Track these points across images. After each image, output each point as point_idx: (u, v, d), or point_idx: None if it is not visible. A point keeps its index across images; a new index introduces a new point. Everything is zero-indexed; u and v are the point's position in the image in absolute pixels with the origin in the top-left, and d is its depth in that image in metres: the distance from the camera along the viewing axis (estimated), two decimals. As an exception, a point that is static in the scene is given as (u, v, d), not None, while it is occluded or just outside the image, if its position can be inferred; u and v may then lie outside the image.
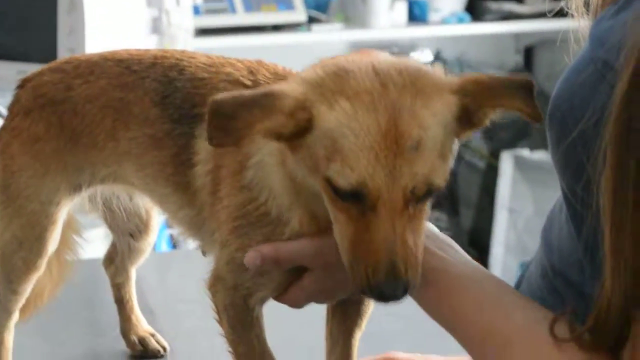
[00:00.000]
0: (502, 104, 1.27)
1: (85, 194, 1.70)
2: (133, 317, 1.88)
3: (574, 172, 1.33)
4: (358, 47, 4.30)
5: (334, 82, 1.29)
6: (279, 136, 1.29)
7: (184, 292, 2.06)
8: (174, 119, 1.57)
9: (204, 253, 1.60)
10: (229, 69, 1.55)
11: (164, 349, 1.87)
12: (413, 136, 1.24)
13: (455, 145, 1.28)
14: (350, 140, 1.26)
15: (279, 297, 1.50)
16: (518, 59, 4.78)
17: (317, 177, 1.29)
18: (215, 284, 1.52)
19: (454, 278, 1.42)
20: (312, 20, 4.25)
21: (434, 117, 1.26)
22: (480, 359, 1.42)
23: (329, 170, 1.25)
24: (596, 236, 1.29)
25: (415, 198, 1.25)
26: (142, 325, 1.88)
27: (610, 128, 1.25)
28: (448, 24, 4.43)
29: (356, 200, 1.25)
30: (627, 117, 1.23)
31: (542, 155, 4.45)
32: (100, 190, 1.73)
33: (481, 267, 1.43)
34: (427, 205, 1.28)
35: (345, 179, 1.25)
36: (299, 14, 4.18)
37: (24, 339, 1.90)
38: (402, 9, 4.36)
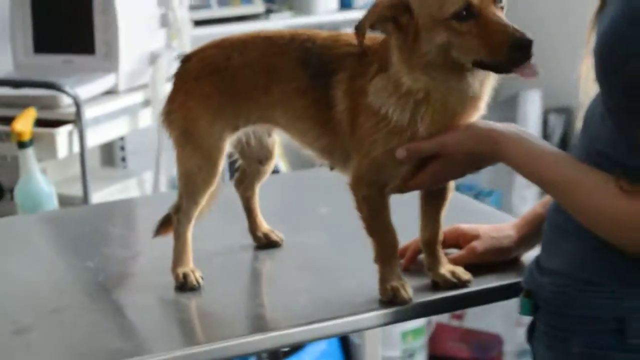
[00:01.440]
0: None
1: (240, 132, 1.82)
2: (258, 220, 1.99)
3: (621, 88, 1.41)
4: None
5: None
6: (388, 20, 1.52)
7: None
8: (313, 75, 1.68)
9: (331, 168, 1.77)
10: (343, 36, 1.68)
11: (282, 240, 1.99)
12: None
13: None
14: None
15: (407, 184, 1.66)
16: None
17: (438, 31, 1.51)
18: (358, 182, 1.66)
19: (547, 148, 1.55)
20: (268, 11, 4.26)
21: None
22: (567, 200, 1.51)
23: (443, 10, 1.49)
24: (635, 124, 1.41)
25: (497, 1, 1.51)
26: (264, 225, 2.00)
27: None
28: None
29: (468, 18, 1.49)
30: None
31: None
32: (245, 130, 1.83)
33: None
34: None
35: (456, 4, 1.49)
36: (258, 7, 4.24)
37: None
38: None
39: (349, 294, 1.74)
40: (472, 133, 1.59)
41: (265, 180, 1.98)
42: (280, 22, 4.27)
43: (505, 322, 3.99)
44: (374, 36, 1.63)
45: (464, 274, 1.74)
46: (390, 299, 1.67)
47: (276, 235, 2.00)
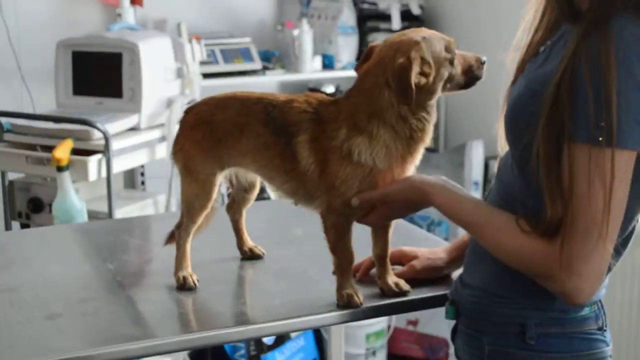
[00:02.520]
0: None
1: (228, 171, 1.82)
2: (244, 237, 2.00)
3: (522, 147, 1.45)
4: (291, 85, 4.45)
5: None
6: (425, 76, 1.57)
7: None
8: (274, 133, 1.69)
9: (295, 204, 1.75)
10: (296, 104, 1.68)
11: (263, 253, 2.00)
12: None
13: None
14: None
15: (362, 221, 1.68)
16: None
17: (444, 68, 1.59)
18: (329, 212, 1.67)
19: (465, 196, 1.57)
20: (264, 68, 4.27)
21: None
22: (479, 236, 1.53)
23: (446, 51, 1.60)
24: (533, 175, 1.43)
25: None
26: (249, 241, 2.00)
27: (540, 125, 1.40)
28: (346, 69, 4.37)
29: (453, 55, 1.61)
30: (547, 117, 1.39)
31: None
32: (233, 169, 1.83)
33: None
34: None
35: (451, 44, 1.62)
36: (257, 64, 4.23)
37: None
38: (318, 60, 4.34)
39: (314, 297, 1.76)
40: (409, 185, 1.61)
41: (253, 206, 1.98)
42: (274, 78, 4.32)
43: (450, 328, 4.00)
44: (319, 97, 1.69)
45: (405, 285, 1.77)
46: (345, 303, 1.70)
47: (259, 249, 2.01)
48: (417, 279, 1.82)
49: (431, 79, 1.59)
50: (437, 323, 4.15)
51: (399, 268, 1.85)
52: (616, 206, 1.36)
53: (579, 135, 1.35)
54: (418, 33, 1.61)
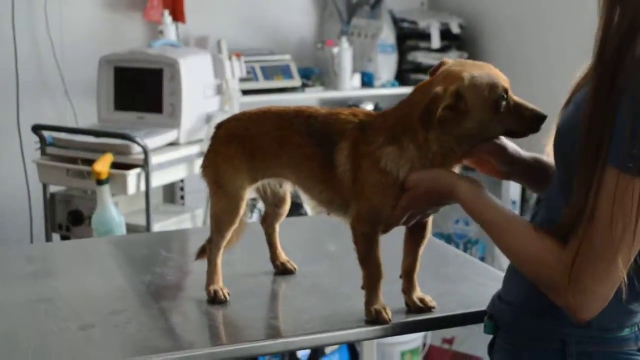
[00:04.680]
0: None
1: (258, 185, 1.85)
2: (277, 252, 2.02)
3: (567, 170, 1.45)
4: (331, 102, 4.39)
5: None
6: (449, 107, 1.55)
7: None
8: (317, 144, 1.71)
9: (329, 214, 1.78)
10: (342, 115, 1.71)
11: (295, 268, 2.01)
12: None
13: None
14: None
15: (388, 221, 1.66)
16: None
17: (485, 110, 1.56)
18: (359, 221, 1.68)
19: (491, 197, 1.55)
20: (304, 85, 4.27)
21: None
22: (496, 237, 1.52)
23: (492, 96, 1.55)
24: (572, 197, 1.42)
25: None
26: (283, 256, 2.03)
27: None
28: (385, 87, 4.39)
29: (504, 100, 1.57)
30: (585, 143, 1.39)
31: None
32: (263, 182, 1.85)
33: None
34: None
35: (500, 90, 1.56)
36: (297, 82, 4.23)
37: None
38: (357, 78, 4.34)
39: (345, 313, 1.76)
40: (435, 174, 1.61)
41: (290, 221, 1.99)
42: (314, 95, 4.32)
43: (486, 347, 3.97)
44: (365, 112, 1.71)
45: (431, 302, 1.76)
46: (373, 319, 1.70)
47: (291, 264, 2.03)
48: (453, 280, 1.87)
49: (466, 118, 1.57)
50: (474, 342, 4.13)
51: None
52: (637, 234, 1.35)
53: (612, 159, 1.35)
54: (476, 69, 1.60)
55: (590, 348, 1.50)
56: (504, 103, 1.58)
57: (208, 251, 1.89)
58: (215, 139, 1.86)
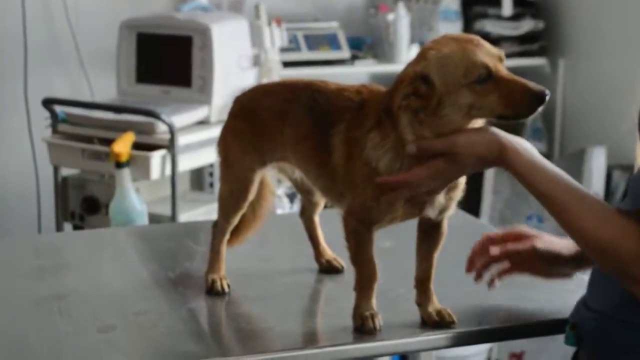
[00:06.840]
0: None
1: (270, 167, 1.88)
2: (321, 247, 2.04)
3: None
4: (384, 77, 4.21)
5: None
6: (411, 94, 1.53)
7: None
8: (316, 122, 1.73)
9: (326, 205, 1.84)
10: (346, 92, 1.71)
11: (342, 266, 2.01)
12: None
13: None
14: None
15: (407, 175, 1.61)
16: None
17: (462, 94, 1.52)
18: (349, 217, 1.70)
19: (549, 164, 1.56)
20: (353, 57, 4.29)
21: None
22: (560, 212, 1.54)
23: (467, 76, 1.51)
24: None
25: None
26: (328, 252, 2.04)
27: None
28: None
29: (487, 80, 1.52)
30: None
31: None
32: (278, 165, 1.88)
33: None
34: None
35: (478, 70, 1.51)
36: (345, 53, 4.25)
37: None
38: (415, 49, 4.22)
39: (399, 318, 1.76)
40: (483, 137, 1.57)
41: (333, 212, 1.90)
42: (364, 69, 4.35)
43: (559, 363, 3.97)
44: (373, 89, 1.70)
45: (449, 316, 1.73)
46: (358, 326, 1.71)
47: (338, 262, 2.03)
48: (531, 270, 1.81)
49: (439, 104, 1.55)
50: (546, 357, 4.11)
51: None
52: None
53: None
54: (451, 45, 1.57)
55: None
56: (487, 83, 1.54)
57: (212, 236, 1.94)
58: (230, 113, 1.91)
